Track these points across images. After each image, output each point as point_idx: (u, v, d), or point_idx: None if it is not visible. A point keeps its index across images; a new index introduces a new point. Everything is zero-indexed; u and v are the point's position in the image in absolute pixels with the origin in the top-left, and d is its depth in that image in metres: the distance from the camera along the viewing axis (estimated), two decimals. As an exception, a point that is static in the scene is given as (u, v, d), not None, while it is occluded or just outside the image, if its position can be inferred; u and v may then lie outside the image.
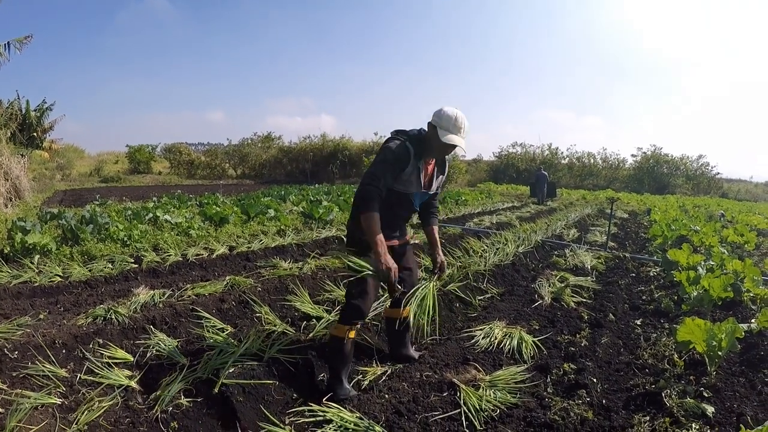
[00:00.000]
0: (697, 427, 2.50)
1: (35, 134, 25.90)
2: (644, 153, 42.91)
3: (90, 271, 5.60)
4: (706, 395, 2.85)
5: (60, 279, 5.27)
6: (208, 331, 3.76)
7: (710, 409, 2.66)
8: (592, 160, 44.21)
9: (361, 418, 2.57)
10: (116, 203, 12.67)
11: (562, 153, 44.83)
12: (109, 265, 5.87)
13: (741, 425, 2.23)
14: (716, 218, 14.78)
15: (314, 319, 4.15)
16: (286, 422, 2.59)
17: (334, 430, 2.47)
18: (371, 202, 2.81)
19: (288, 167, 37.64)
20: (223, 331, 3.84)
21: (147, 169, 34.73)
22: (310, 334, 3.81)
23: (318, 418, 2.56)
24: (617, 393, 3.03)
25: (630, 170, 43.23)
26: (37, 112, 26.42)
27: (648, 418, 2.62)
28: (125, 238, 7.11)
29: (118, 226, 7.48)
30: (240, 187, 26.73)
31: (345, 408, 2.64)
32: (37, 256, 5.88)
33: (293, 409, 2.67)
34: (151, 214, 9.47)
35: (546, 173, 21.00)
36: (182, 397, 2.86)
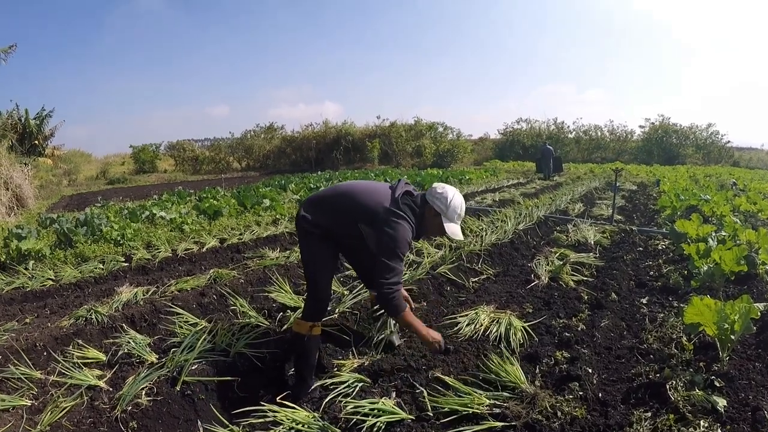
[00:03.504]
0: (706, 425, 2.17)
1: (37, 142, 25.79)
2: (652, 123, 41.97)
3: (81, 272, 5.57)
4: (717, 385, 2.51)
5: (52, 282, 5.25)
6: (181, 327, 3.64)
7: (722, 403, 2.33)
8: (599, 133, 43.37)
9: (318, 419, 2.31)
10: (117, 204, 12.56)
11: (568, 127, 44.07)
12: (100, 266, 5.84)
13: (757, 424, 1.90)
14: (728, 187, 14.29)
15: (291, 311, 3.92)
16: (241, 423, 2.38)
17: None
18: (400, 304, 2.75)
19: (292, 156, 37.29)
20: (196, 326, 3.67)
21: (152, 168, 34.59)
22: (284, 327, 3.61)
23: (267, 419, 2.32)
24: (616, 384, 2.70)
25: (638, 142, 42.35)
26: (36, 120, 26.17)
27: (649, 414, 2.30)
28: (118, 238, 7.10)
29: (113, 226, 7.48)
30: (245, 179, 26.69)
31: (302, 408, 2.36)
32: (32, 262, 5.92)
33: (242, 409, 2.42)
34: (147, 212, 9.41)
35: (551, 147, 20.45)
36: (143, 395, 2.78)
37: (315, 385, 2.89)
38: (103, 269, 5.72)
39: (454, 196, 2.88)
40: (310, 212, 2.99)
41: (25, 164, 16.82)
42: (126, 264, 5.96)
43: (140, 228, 7.99)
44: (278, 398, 2.47)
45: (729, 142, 41.18)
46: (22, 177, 15.10)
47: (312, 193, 3.31)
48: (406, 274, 4.51)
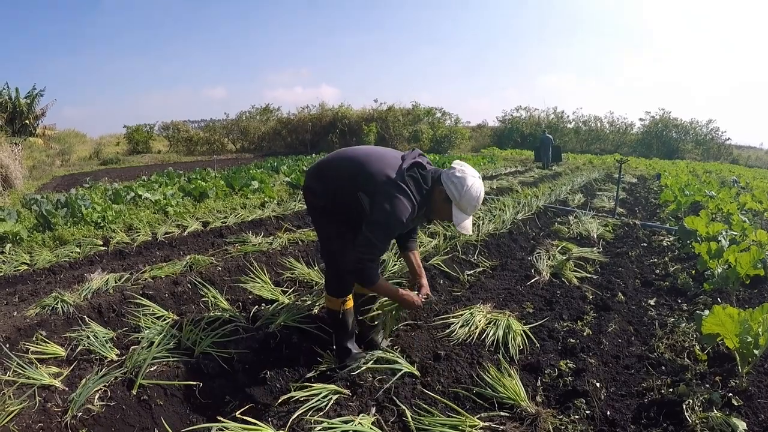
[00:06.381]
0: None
1: (27, 122, 25.40)
2: (652, 117, 41.72)
3: (56, 257, 5.33)
4: (736, 403, 2.22)
5: (26, 267, 5.04)
6: (146, 320, 3.33)
7: (742, 426, 2.02)
8: (598, 124, 43.10)
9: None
10: (105, 184, 12.23)
11: (567, 117, 43.70)
12: (77, 249, 5.60)
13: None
14: (729, 184, 13.99)
15: (268, 304, 3.62)
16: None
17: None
18: (374, 277, 2.55)
19: (287, 139, 36.80)
20: (163, 320, 3.39)
21: (146, 149, 33.94)
22: (257, 323, 3.29)
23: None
24: (626, 399, 2.39)
25: (638, 135, 42.12)
26: (27, 99, 25.73)
27: (665, 438, 2.01)
28: (99, 220, 6.91)
29: (94, 208, 7.26)
30: (239, 160, 26.37)
31: (267, 425, 2.02)
32: (9, 245, 5.72)
33: (193, 427, 2.09)
34: (133, 193, 9.16)
35: (551, 137, 20.04)
36: (96, 400, 2.47)
37: (361, 351, 2.81)
38: (79, 253, 5.47)
39: (473, 183, 2.49)
40: (313, 182, 2.76)
41: (16, 144, 16.63)
42: (103, 248, 5.70)
43: (122, 210, 7.76)
44: (238, 412, 2.12)
45: (728, 139, 41.13)
46: (11, 157, 14.97)
47: (318, 159, 2.98)
48: (396, 265, 4.18)
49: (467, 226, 2.57)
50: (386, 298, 2.93)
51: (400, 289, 2.75)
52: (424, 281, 3.05)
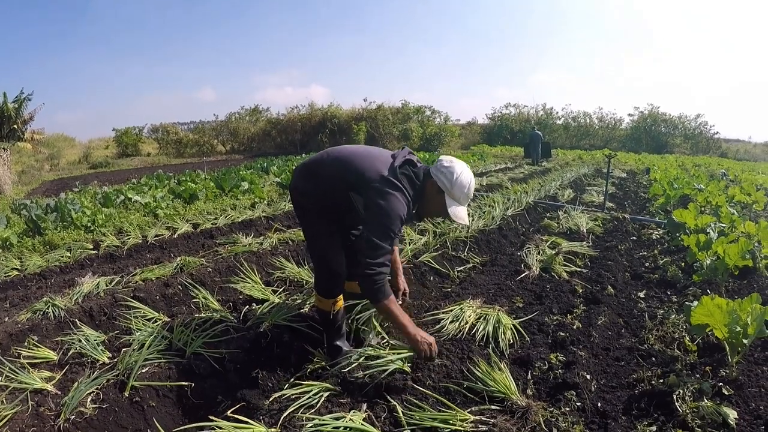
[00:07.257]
0: (717, 440, 1.88)
1: (15, 126, 25.06)
2: (641, 112, 42.08)
3: (46, 261, 5.32)
4: (726, 393, 2.24)
5: (17, 272, 5.02)
6: (138, 323, 3.32)
7: (732, 415, 2.04)
8: (588, 120, 43.39)
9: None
10: (95, 188, 12.13)
11: (557, 113, 43.93)
12: (67, 254, 5.58)
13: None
14: (718, 177, 14.12)
15: (258, 303, 3.61)
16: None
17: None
18: (384, 289, 2.39)
19: (277, 139, 36.77)
20: (154, 321, 3.39)
21: (135, 152, 33.67)
22: (248, 323, 3.29)
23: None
24: (616, 390, 2.41)
25: (627, 130, 42.43)
26: (15, 103, 25.36)
27: (654, 428, 2.02)
28: (89, 224, 6.92)
29: (84, 212, 7.26)
30: (228, 162, 26.32)
31: (259, 423, 2.02)
32: None
33: (185, 427, 2.07)
34: (122, 197, 9.14)
35: (540, 133, 20.22)
36: (88, 402, 2.47)
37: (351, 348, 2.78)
38: (69, 257, 5.45)
39: (462, 171, 2.53)
40: (301, 181, 2.74)
41: (4, 149, 16.48)
42: (94, 252, 5.70)
43: (112, 213, 7.74)
44: (230, 411, 2.12)
45: (717, 133, 41.47)
46: (0, 162, 14.71)
47: (305, 159, 2.96)
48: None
49: (462, 215, 2.57)
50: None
51: (413, 324, 2.51)
52: (403, 282, 3.08)
